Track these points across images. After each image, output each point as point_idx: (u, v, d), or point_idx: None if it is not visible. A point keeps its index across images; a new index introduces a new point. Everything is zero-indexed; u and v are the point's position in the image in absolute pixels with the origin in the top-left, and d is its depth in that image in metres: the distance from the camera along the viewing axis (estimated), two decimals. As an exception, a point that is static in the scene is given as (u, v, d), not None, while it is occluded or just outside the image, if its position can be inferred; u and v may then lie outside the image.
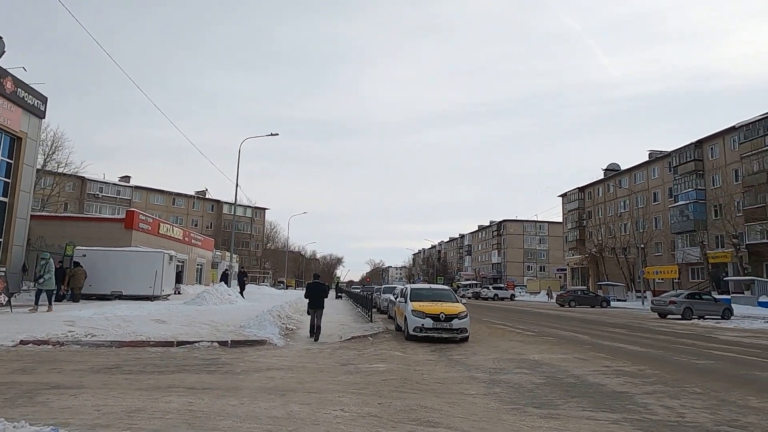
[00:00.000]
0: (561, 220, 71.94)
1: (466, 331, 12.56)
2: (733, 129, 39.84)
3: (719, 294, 32.50)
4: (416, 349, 11.11)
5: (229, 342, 10.34)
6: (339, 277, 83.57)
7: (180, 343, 9.90)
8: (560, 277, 70.59)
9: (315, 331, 12.13)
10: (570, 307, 37.32)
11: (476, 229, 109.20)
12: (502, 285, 64.07)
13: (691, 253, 42.57)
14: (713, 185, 42.04)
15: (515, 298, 55.18)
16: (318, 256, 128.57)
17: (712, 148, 42.99)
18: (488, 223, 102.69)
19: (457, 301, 13.77)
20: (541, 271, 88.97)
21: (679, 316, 24.47)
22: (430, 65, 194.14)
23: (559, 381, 7.59)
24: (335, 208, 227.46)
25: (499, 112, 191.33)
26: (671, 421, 5.32)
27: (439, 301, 13.38)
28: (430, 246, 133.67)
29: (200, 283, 38.22)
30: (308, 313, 12.83)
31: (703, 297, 26.43)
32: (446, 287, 16.02)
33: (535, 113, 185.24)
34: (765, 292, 32.17)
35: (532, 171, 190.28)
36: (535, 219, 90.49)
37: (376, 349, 10.94)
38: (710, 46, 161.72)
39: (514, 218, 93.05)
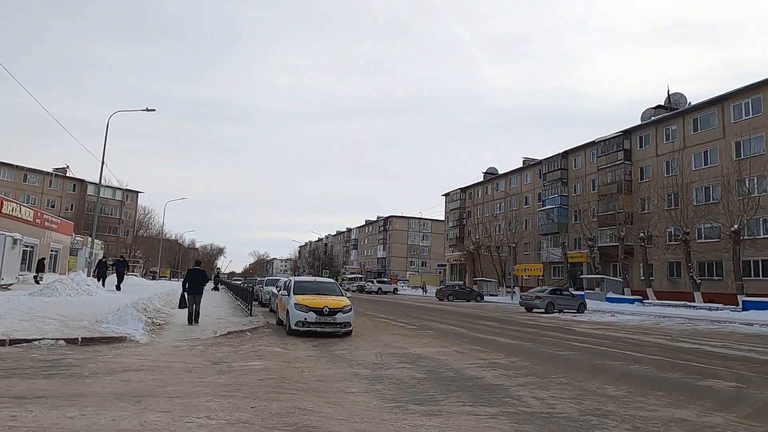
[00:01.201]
0: (443, 219, 75.38)
1: (350, 325, 12.35)
2: (592, 143, 44.60)
3: (575, 290, 36.19)
4: (297, 344, 10.62)
5: (80, 339, 8.97)
6: (219, 268, 79.38)
7: (14, 342, 8.35)
8: (440, 272, 74.04)
9: (195, 316, 12.84)
10: (448, 301, 39.15)
11: (363, 223, 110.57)
12: (386, 279, 65.49)
13: (554, 253, 46.97)
14: (575, 192, 46.75)
15: (398, 292, 56.70)
16: (197, 245, 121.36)
17: (575, 159, 47.77)
18: (375, 218, 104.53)
19: (342, 295, 13.51)
20: (423, 266, 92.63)
21: (543, 310, 26.74)
22: (326, 58, 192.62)
23: (439, 375, 7.63)
24: (219, 195, 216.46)
25: (389, 109, 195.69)
26: (543, 413, 5.50)
27: (324, 294, 13.02)
28: (317, 239, 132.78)
29: (55, 271, 33.76)
30: (180, 307, 13.21)
31: (563, 293, 29.16)
32: (331, 280, 15.70)
33: (423, 114, 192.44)
34: (612, 289, 36.50)
35: (419, 169, 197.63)
36: (420, 216, 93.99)
37: (254, 345, 10.26)
38: (578, 69, 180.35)
39: (400, 215, 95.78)
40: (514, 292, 44.08)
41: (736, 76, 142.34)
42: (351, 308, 12.43)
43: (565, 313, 26.79)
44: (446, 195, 71.56)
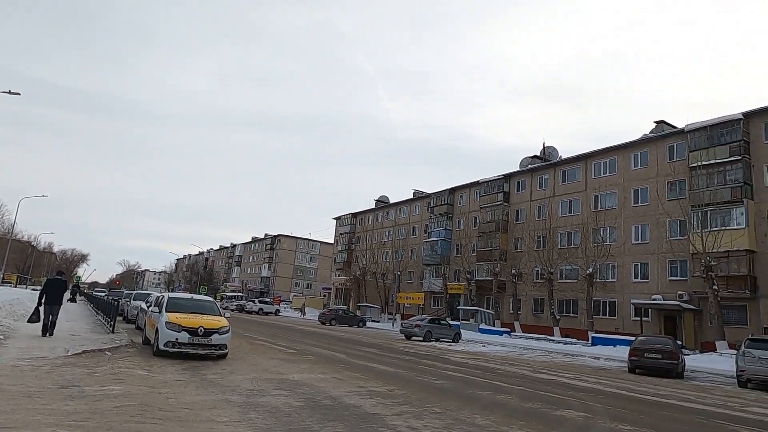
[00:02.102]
0: (333, 242, 75.40)
1: (226, 348, 11.70)
2: (477, 183, 47.89)
3: (453, 320, 38.00)
4: (165, 367, 9.78)
5: None
6: (80, 277, 71.26)
7: None
8: (325, 295, 73.55)
9: (50, 328, 12.55)
10: (331, 325, 38.87)
11: (250, 240, 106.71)
12: (268, 299, 63.44)
13: (436, 284, 49.07)
14: (458, 227, 49.58)
15: (280, 314, 55.16)
16: (56, 249, 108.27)
17: (461, 196, 50.83)
18: (263, 236, 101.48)
19: (220, 314, 12.80)
20: (308, 288, 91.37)
21: (422, 338, 27.61)
22: (225, 65, 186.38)
23: (317, 403, 7.46)
24: (87, 195, 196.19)
25: (287, 126, 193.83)
26: (416, 443, 5.59)
27: (200, 313, 12.21)
28: (198, 252, 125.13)
29: None
30: (31, 321, 12.87)
31: (441, 322, 30.43)
32: (209, 298, 14.78)
33: (321, 135, 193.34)
34: (485, 321, 38.90)
35: (313, 190, 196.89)
36: (309, 237, 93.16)
37: (114, 366, 9.26)
38: (469, 112, 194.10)
39: (290, 234, 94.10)
40: (396, 319, 45.09)
41: (598, 138, 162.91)
42: (228, 329, 11.81)
43: (441, 341, 27.90)
44: (337, 219, 71.87)
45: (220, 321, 11.94)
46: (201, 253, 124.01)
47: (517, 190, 44.16)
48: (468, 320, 39.54)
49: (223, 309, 14.50)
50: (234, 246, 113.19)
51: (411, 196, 58.85)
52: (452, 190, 51.44)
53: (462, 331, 32.13)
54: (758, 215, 27.93)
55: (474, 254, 45.09)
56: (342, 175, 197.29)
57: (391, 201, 63.68)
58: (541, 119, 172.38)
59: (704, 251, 26.48)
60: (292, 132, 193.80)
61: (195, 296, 14.83)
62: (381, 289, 52.52)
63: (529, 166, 44.09)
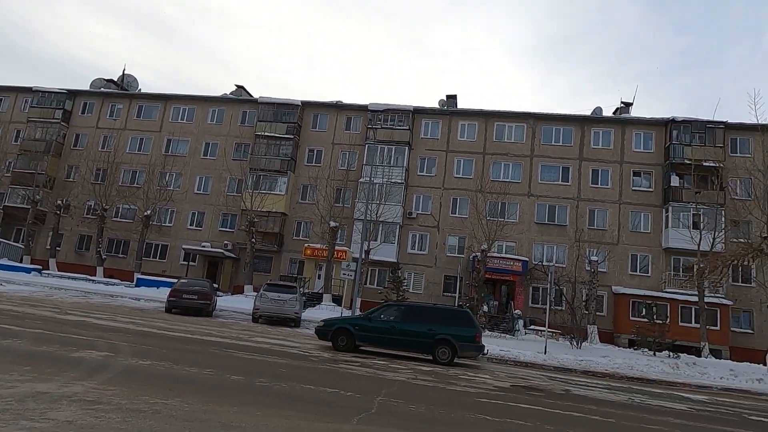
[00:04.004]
0: None
1: None
2: (30, 90, 38.96)
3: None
4: None
5: None
6: None
7: None
8: None
9: None
10: None
11: None
12: None
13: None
14: (-10, 138, 39.07)
15: None
16: None
17: (1, 100, 40.12)
18: None
19: None
20: None
21: None
22: None
23: None
24: None
25: None
26: None
27: None
28: None
29: None
30: None
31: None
32: None
33: None
34: (9, 256, 32.38)
35: None
36: None
37: None
38: (37, 4, 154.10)
39: None
40: None
41: (183, 83, 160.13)
42: None
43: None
44: None
45: None
46: None
47: (82, 112, 38.53)
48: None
49: None
50: None
51: None
52: (-11, 89, 40.06)
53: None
54: (295, 186, 34.39)
55: (9, 174, 36.70)
56: None
57: None
58: (127, 43, 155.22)
59: (251, 209, 30.54)
60: None
61: None
62: None
63: (103, 89, 39.31)
